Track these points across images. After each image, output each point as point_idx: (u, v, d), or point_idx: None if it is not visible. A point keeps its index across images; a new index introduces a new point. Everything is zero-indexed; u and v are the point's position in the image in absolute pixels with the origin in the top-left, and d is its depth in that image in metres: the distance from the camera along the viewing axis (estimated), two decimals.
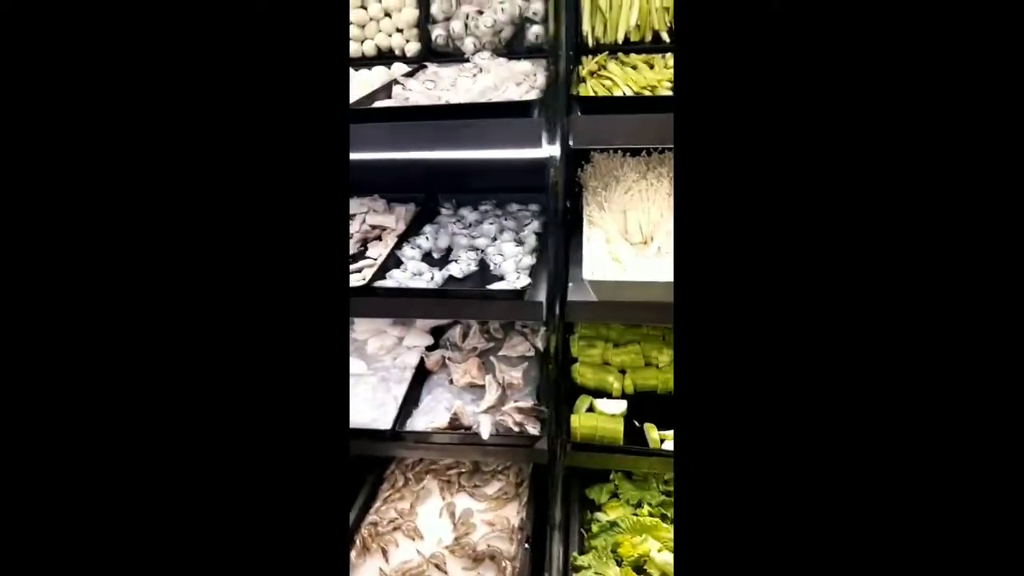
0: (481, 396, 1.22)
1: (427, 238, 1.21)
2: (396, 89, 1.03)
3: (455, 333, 1.38)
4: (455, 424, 1.13)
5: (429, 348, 1.37)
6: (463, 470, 1.40)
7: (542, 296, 1.01)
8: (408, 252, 1.15)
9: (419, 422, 1.17)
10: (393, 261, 1.13)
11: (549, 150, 0.88)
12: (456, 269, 1.08)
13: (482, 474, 1.39)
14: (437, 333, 1.43)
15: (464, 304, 1.01)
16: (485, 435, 1.09)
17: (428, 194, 1.43)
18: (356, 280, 1.07)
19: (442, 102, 0.92)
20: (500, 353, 1.32)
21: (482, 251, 1.16)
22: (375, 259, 1.16)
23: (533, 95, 0.92)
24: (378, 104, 0.95)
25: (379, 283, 1.03)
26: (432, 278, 1.06)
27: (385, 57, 1.33)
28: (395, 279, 1.05)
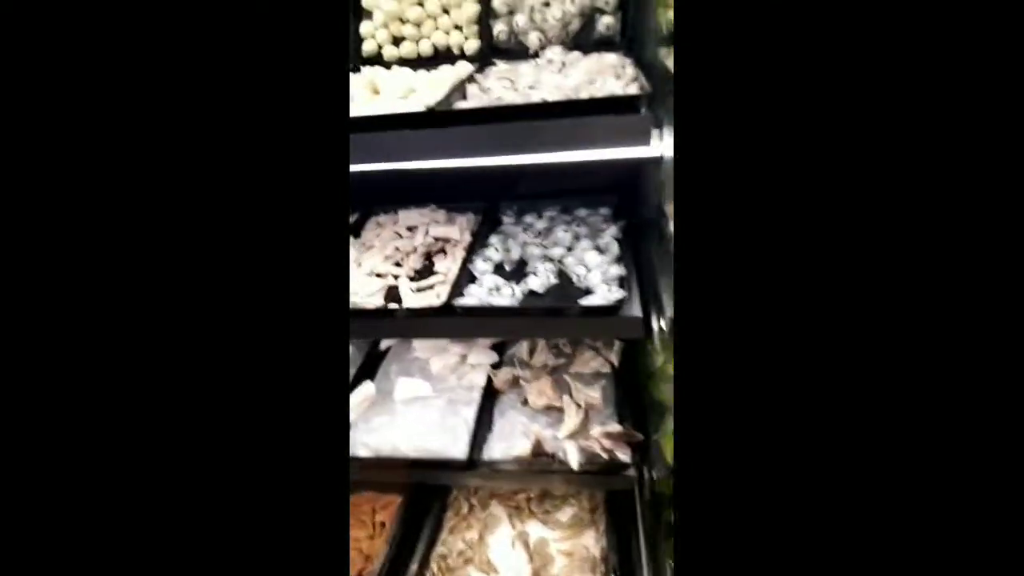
0: (557, 418, 1.13)
1: (496, 249, 1.12)
2: (471, 89, 0.95)
3: (522, 349, 1.30)
4: (538, 452, 1.03)
5: (494, 365, 1.28)
6: (531, 495, 1.30)
7: (638, 310, 0.91)
8: (480, 265, 1.06)
9: (496, 449, 1.08)
10: (466, 276, 1.04)
11: (657, 148, 0.78)
12: (536, 283, 0.99)
13: (552, 499, 1.29)
14: (499, 348, 1.35)
15: (553, 322, 0.92)
16: (575, 464, 0.99)
17: (487, 201, 1.35)
18: (430, 298, 0.98)
19: (536, 100, 0.83)
20: (572, 370, 1.23)
21: (559, 261, 1.07)
22: (444, 274, 1.08)
23: (634, 89, 0.83)
24: (461, 105, 0.87)
25: (458, 301, 0.95)
26: (512, 293, 0.97)
27: (442, 57, 1.25)
28: (474, 296, 0.96)
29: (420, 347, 1.34)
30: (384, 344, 1.41)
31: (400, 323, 0.98)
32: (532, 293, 0.99)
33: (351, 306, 0.99)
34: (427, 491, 1.35)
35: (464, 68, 1.11)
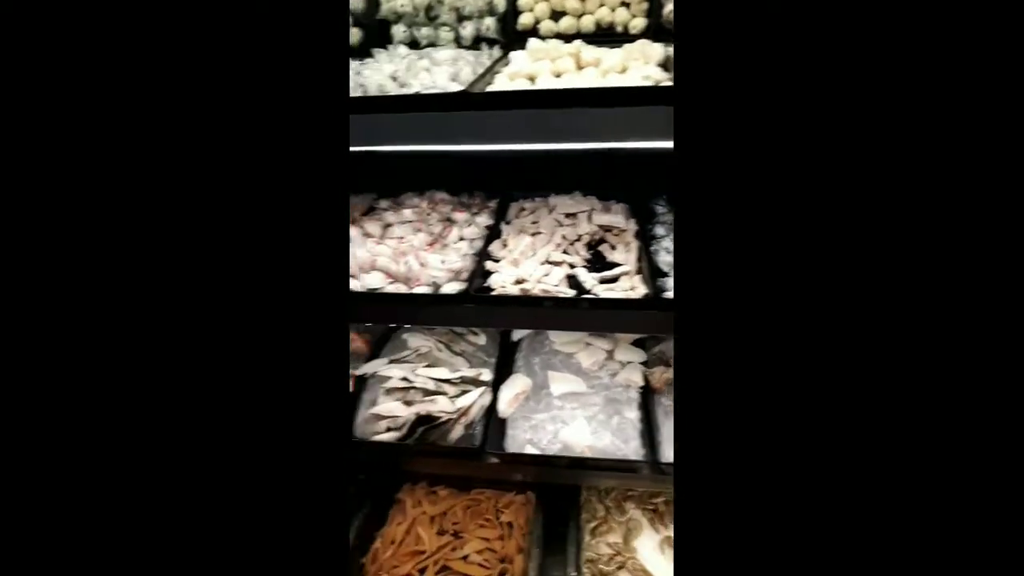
0: None
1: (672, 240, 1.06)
2: None
3: (669, 348, 1.24)
4: None
5: (643, 363, 1.22)
6: (669, 499, 1.25)
7: None
8: (667, 258, 1.00)
9: (671, 453, 1.03)
10: (651, 269, 0.98)
11: None
12: None
13: None
14: (637, 344, 1.29)
15: None
16: None
17: (631, 191, 1.28)
18: (622, 291, 0.92)
19: None
20: None
21: None
22: (624, 264, 1.01)
23: None
24: None
25: (667, 295, 0.89)
26: None
27: (601, 35, 1.18)
28: None
29: (560, 340, 1.28)
30: (516, 335, 1.34)
31: (593, 314, 0.92)
32: None
33: (541, 293, 0.92)
34: (552, 490, 1.29)
35: (647, 46, 1.04)
